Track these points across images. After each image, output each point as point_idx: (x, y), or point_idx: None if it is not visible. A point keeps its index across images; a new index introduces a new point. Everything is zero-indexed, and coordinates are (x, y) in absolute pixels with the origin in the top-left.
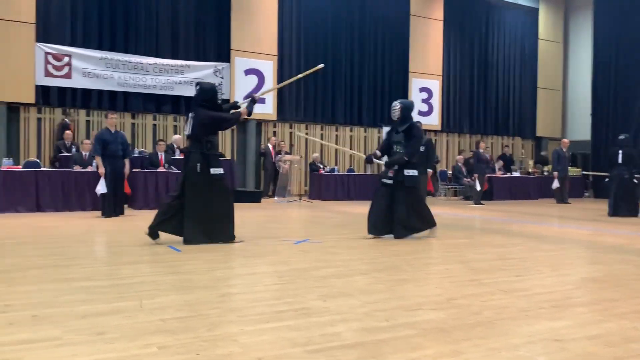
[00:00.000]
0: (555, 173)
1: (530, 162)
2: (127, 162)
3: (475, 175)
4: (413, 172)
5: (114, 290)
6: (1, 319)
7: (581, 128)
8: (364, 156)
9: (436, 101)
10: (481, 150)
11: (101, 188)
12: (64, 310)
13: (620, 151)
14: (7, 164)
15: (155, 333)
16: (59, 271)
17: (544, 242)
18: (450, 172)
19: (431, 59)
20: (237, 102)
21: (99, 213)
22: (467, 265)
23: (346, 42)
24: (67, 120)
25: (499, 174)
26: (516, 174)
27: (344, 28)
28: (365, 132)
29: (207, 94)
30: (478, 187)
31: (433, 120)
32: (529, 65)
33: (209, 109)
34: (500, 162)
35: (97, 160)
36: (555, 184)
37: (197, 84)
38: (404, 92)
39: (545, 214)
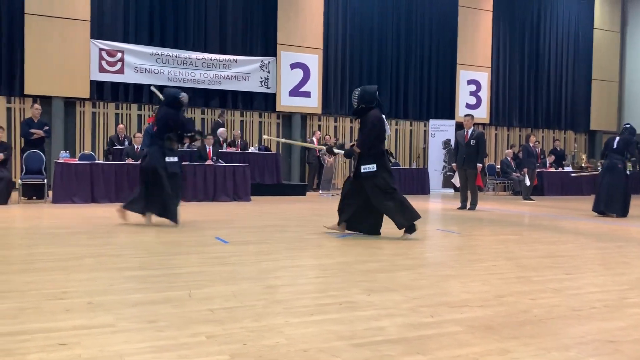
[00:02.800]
0: None
1: (584, 157)
2: None
3: (525, 169)
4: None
5: (164, 280)
6: (59, 305)
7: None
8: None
9: (485, 94)
10: (531, 144)
11: None
12: (117, 298)
13: (617, 137)
14: (64, 157)
15: (204, 322)
16: (112, 260)
17: (598, 240)
18: (499, 166)
19: (480, 50)
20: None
21: None
22: (515, 262)
23: (393, 34)
24: (220, 120)
25: (550, 169)
26: (568, 169)
27: (390, 20)
28: (411, 125)
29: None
30: (527, 182)
31: (481, 114)
32: (583, 56)
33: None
34: (552, 157)
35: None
36: None
37: (359, 88)
38: (451, 85)
39: None
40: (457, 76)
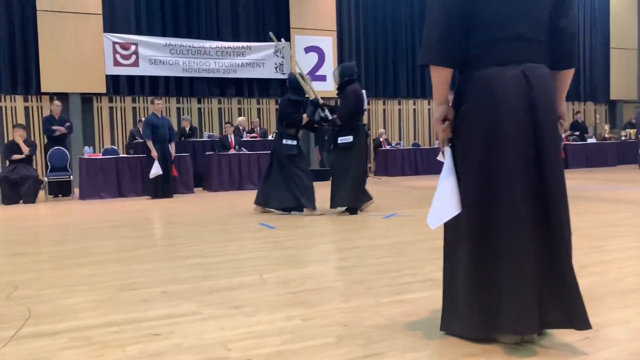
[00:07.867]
0: None
1: (606, 127)
2: (172, 145)
3: None
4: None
5: (229, 266)
6: (135, 296)
7: None
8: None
9: None
10: None
11: (156, 170)
12: (189, 286)
13: None
14: (88, 152)
15: (292, 306)
16: (167, 250)
17: None
18: None
19: None
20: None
21: (181, 197)
22: (579, 233)
23: (406, 13)
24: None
25: (570, 141)
26: (591, 141)
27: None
28: (429, 104)
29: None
30: None
31: None
32: (600, 25)
33: None
34: (568, 132)
35: (149, 144)
36: None
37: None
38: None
39: (632, 180)
40: None
